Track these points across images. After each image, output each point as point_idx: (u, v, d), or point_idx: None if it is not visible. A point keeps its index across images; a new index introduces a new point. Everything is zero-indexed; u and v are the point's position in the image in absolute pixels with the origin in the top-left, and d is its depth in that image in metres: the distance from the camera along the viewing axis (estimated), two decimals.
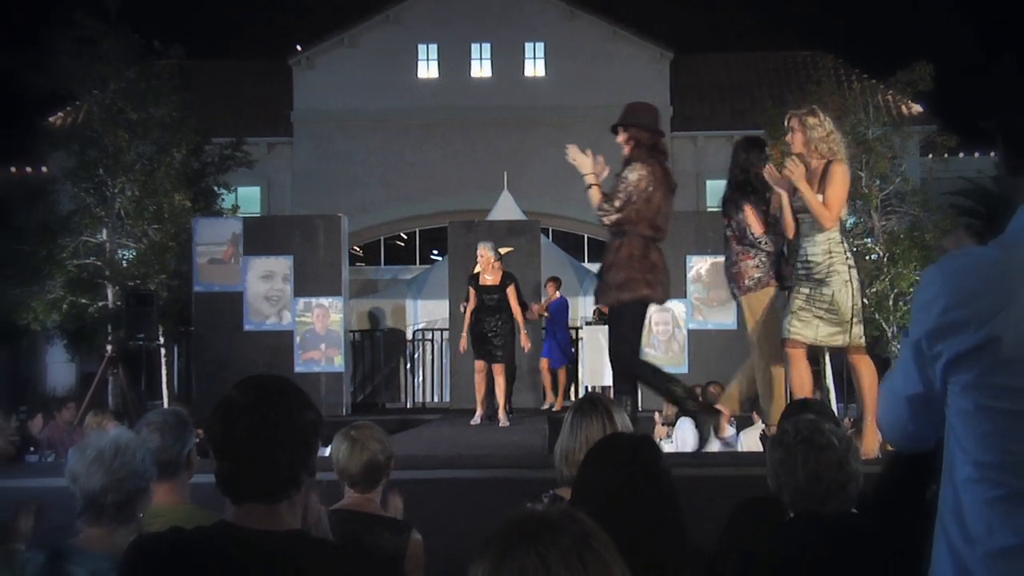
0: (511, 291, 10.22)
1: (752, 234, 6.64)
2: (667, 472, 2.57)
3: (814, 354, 19.95)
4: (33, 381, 23.52)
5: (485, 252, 10.31)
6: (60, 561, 2.83)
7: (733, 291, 6.83)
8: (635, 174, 6.18)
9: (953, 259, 2.10)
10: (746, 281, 6.66)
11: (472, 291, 10.37)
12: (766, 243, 6.64)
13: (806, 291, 6.09)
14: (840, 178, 6.05)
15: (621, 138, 6.35)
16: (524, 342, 10.83)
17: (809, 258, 6.12)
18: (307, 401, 2.27)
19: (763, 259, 6.65)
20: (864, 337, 6.16)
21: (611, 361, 6.68)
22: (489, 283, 10.25)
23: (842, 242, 6.12)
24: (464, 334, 10.54)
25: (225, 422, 2.18)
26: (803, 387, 6.12)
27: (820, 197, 6.00)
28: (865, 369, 6.12)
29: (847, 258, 6.08)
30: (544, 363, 13.28)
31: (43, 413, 11.39)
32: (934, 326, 2.03)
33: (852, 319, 6.02)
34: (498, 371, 10.23)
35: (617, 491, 2.44)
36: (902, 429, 2.21)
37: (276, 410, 2.18)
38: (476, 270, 10.55)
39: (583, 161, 6.33)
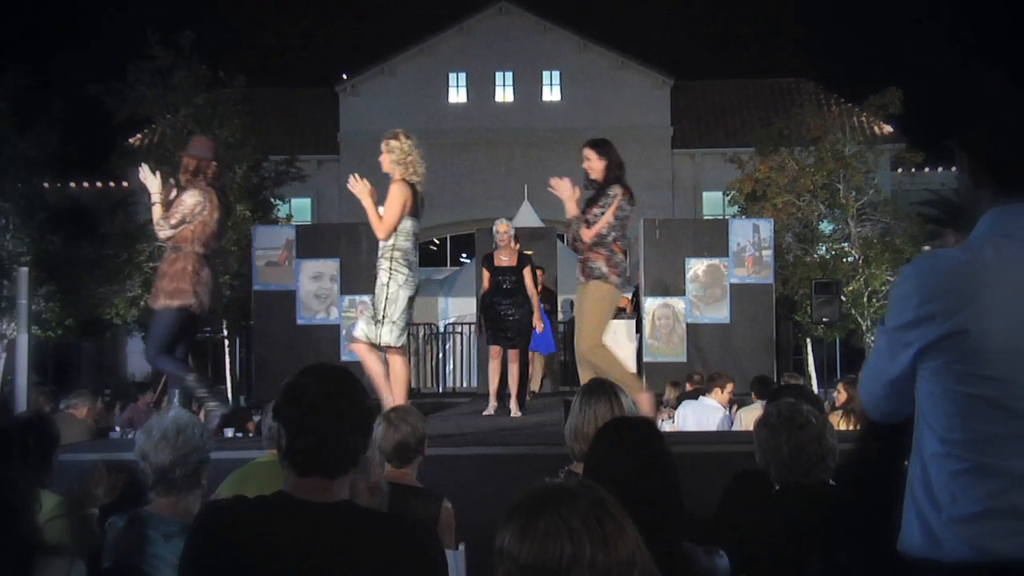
0: (527, 273, 8.54)
1: None
2: (667, 452, 2.56)
3: (796, 345, 19.79)
4: (115, 369, 23.68)
5: (504, 227, 8.60)
6: (137, 526, 2.85)
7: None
8: (192, 199, 6.09)
9: (926, 260, 2.10)
10: None
11: (487, 273, 8.74)
12: None
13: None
14: (393, 196, 5.98)
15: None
16: (537, 325, 8.79)
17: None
18: (365, 389, 2.27)
19: None
20: (395, 339, 6.02)
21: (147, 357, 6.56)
22: (505, 264, 8.56)
23: (393, 253, 6.06)
24: (480, 320, 9.08)
25: (302, 406, 2.15)
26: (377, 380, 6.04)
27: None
28: (395, 365, 6.06)
29: (391, 269, 6.06)
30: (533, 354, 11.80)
31: (119, 402, 11.49)
32: (907, 318, 2.03)
33: (381, 320, 5.99)
34: (512, 358, 8.61)
35: (622, 471, 2.43)
36: (876, 405, 2.23)
37: (347, 396, 2.18)
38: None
39: (151, 181, 6.20)
